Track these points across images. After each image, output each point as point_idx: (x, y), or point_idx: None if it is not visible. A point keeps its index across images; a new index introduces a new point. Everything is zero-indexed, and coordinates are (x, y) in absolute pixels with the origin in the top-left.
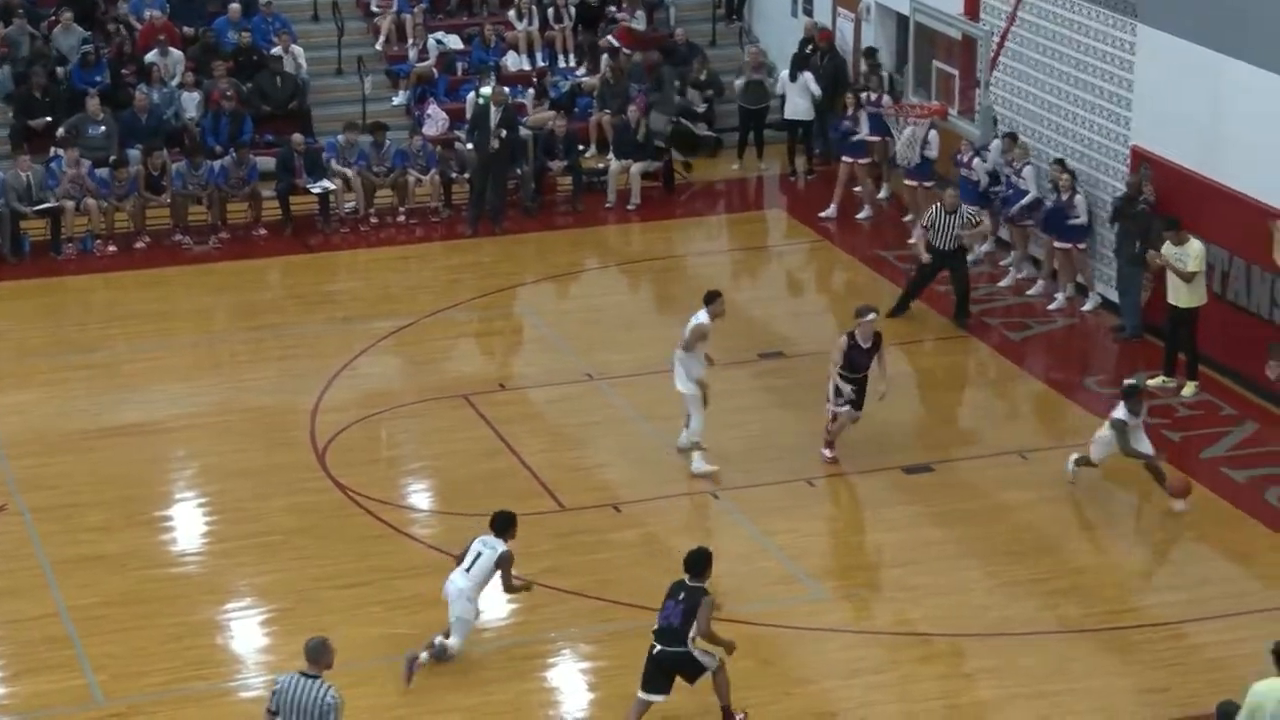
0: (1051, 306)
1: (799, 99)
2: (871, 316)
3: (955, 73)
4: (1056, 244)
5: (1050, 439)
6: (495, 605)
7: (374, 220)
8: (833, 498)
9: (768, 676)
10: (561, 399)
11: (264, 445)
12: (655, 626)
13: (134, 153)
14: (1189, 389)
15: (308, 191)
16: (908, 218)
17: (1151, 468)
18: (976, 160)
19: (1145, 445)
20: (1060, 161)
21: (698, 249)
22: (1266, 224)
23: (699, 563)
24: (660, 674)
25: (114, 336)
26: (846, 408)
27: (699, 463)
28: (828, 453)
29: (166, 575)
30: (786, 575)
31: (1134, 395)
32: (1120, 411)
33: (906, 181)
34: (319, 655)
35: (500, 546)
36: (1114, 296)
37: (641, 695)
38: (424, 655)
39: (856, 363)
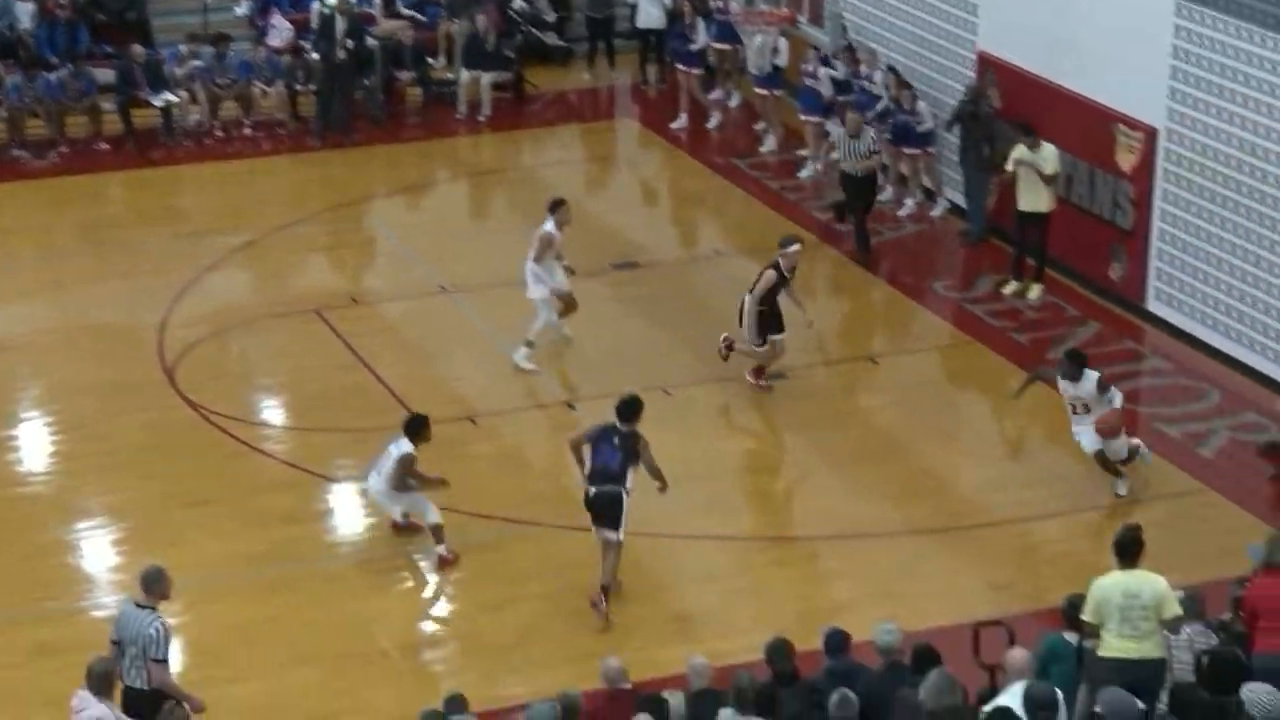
0: (901, 213)
1: (651, 7)
2: (795, 247)
3: None
4: (905, 150)
5: (900, 343)
6: (350, 521)
7: (219, 133)
8: (689, 406)
9: (627, 583)
10: (415, 312)
11: (111, 363)
12: (589, 470)
13: None
14: (1035, 291)
15: (149, 104)
16: (759, 125)
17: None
18: (822, 70)
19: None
20: (892, 69)
21: (550, 159)
22: (1109, 128)
23: (630, 408)
24: (594, 514)
25: None
26: (779, 338)
27: (521, 356)
28: (759, 380)
29: (14, 495)
30: (643, 485)
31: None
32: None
33: (757, 90)
34: (152, 585)
35: (406, 447)
36: (963, 201)
37: (597, 530)
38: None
39: (781, 292)
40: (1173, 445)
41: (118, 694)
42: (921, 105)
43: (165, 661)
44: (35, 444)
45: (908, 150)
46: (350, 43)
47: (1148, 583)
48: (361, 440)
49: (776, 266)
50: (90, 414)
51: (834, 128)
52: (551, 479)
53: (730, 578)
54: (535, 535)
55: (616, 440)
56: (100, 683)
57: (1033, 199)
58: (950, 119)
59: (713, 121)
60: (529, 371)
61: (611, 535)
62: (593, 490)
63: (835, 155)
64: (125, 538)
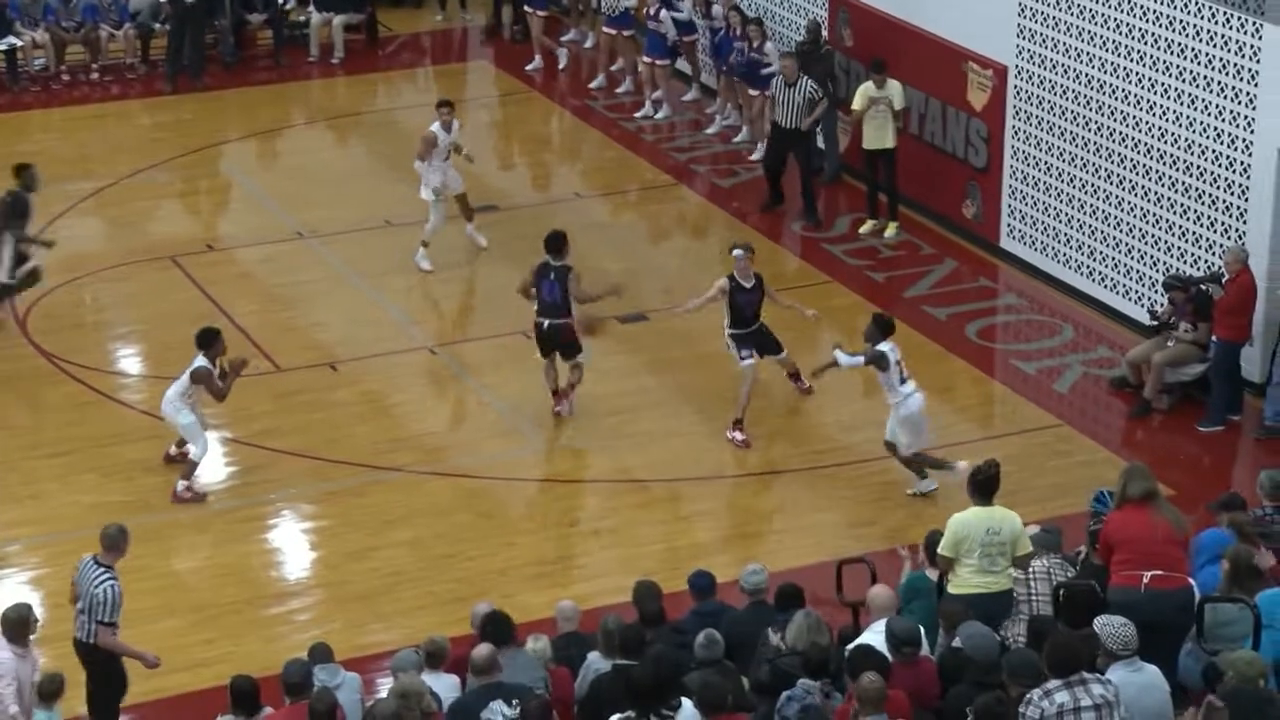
0: (754, 156)
1: None
2: (738, 253)
3: None
4: (751, 91)
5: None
6: (213, 470)
7: (66, 78)
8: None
9: (490, 528)
10: (272, 258)
11: None
12: (537, 306)
13: None
14: (891, 229)
15: None
16: (616, 66)
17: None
18: (664, 12)
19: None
20: (735, 7)
21: (405, 102)
22: (961, 66)
23: (557, 242)
24: (551, 346)
25: None
26: (751, 359)
27: (419, 257)
28: (737, 435)
29: None
30: (506, 428)
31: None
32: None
33: (606, 29)
34: (111, 544)
35: (199, 361)
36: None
37: (544, 361)
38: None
39: (742, 306)
40: (1028, 381)
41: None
42: (769, 46)
43: (113, 625)
44: None
45: (752, 91)
46: None
47: (1006, 520)
48: None
49: (730, 277)
50: None
51: (774, 82)
52: (413, 424)
53: (594, 520)
54: (398, 481)
55: (553, 275)
56: (12, 629)
57: (880, 136)
58: (788, 52)
59: (563, 63)
60: (426, 271)
61: (578, 359)
62: (545, 324)
63: (770, 95)
64: None
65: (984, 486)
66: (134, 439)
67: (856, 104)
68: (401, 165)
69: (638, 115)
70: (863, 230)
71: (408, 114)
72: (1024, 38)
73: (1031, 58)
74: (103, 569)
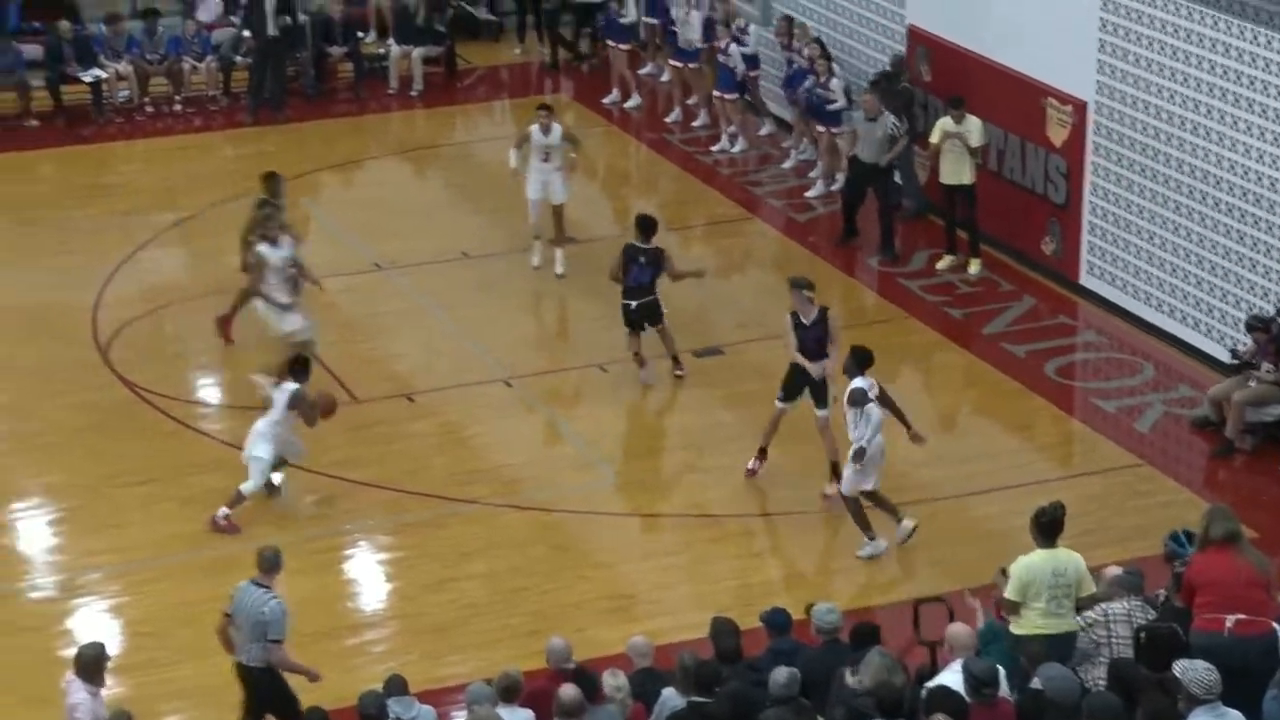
0: (811, 193)
1: None
2: (804, 291)
3: None
4: (819, 127)
5: (838, 319)
6: (290, 500)
7: (150, 109)
8: (625, 383)
9: (564, 561)
10: (350, 289)
11: (44, 343)
12: (624, 289)
13: None
14: (974, 266)
15: (79, 80)
16: (691, 100)
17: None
18: (734, 46)
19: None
20: (819, 41)
21: (482, 135)
22: (1040, 102)
23: (646, 224)
24: (639, 322)
25: None
26: (781, 405)
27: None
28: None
29: None
30: (582, 460)
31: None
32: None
33: (673, 62)
34: (271, 565)
35: (291, 387)
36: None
37: (631, 337)
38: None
39: (804, 340)
40: (1108, 420)
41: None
42: (835, 82)
43: (280, 642)
44: None
45: (819, 127)
46: (286, 19)
47: (1072, 562)
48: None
49: (793, 314)
50: (24, 395)
51: (853, 114)
52: (490, 456)
53: (668, 555)
54: (474, 514)
55: (642, 259)
56: (87, 669)
57: (957, 171)
58: (867, 87)
59: (632, 102)
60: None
61: (664, 324)
62: (633, 304)
63: (848, 129)
64: (63, 519)
65: (1048, 529)
66: (213, 469)
67: (934, 138)
68: (479, 197)
69: (714, 149)
70: (940, 266)
71: (485, 147)
72: (1104, 73)
73: (1112, 93)
74: (264, 589)
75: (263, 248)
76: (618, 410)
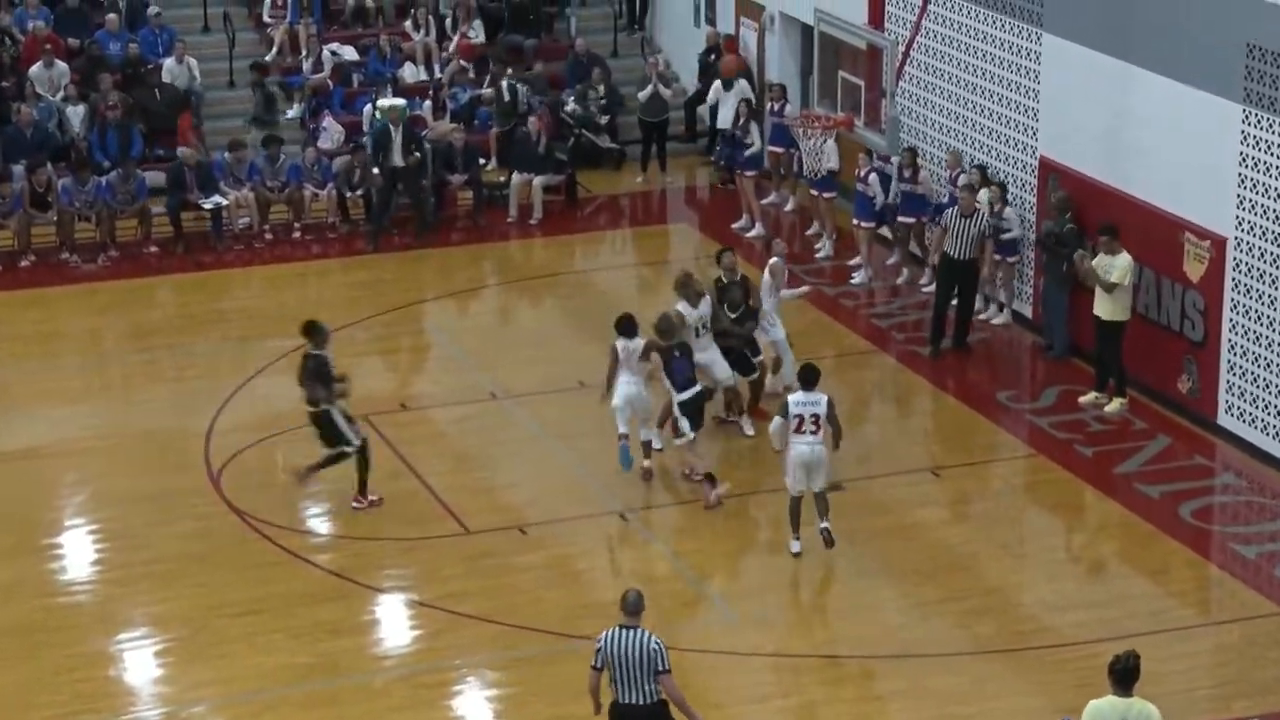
0: (985, 317)
1: (729, 109)
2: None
3: (861, 83)
4: (994, 256)
5: (963, 455)
6: (397, 634)
7: (269, 236)
8: (742, 517)
9: None
10: (465, 419)
11: (157, 469)
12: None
13: (18, 169)
14: (1115, 405)
15: (199, 207)
16: (811, 230)
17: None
18: (873, 176)
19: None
20: (981, 168)
21: (603, 264)
22: (1177, 236)
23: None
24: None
25: None
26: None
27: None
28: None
29: (56, 605)
30: (695, 597)
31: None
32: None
33: (813, 193)
34: (638, 607)
35: (637, 343)
36: (1027, 311)
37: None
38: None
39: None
40: (1248, 566)
41: None
42: (1009, 211)
43: (669, 672)
44: (78, 552)
45: (995, 255)
46: (417, 153)
47: (1145, 713)
48: (409, 550)
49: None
50: (135, 522)
51: (947, 210)
52: (603, 592)
53: (782, 698)
54: (587, 651)
55: (678, 353)
56: None
57: (1104, 306)
58: (1044, 238)
59: (755, 231)
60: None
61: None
62: (695, 391)
63: (943, 226)
64: (169, 649)
65: (1122, 676)
66: (322, 600)
67: (1085, 265)
68: (595, 327)
69: (853, 281)
70: (1083, 400)
71: (604, 275)
72: (1244, 208)
73: (1252, 229)
74: (636, 629)
75: (335, 412)
76: (733, 544)
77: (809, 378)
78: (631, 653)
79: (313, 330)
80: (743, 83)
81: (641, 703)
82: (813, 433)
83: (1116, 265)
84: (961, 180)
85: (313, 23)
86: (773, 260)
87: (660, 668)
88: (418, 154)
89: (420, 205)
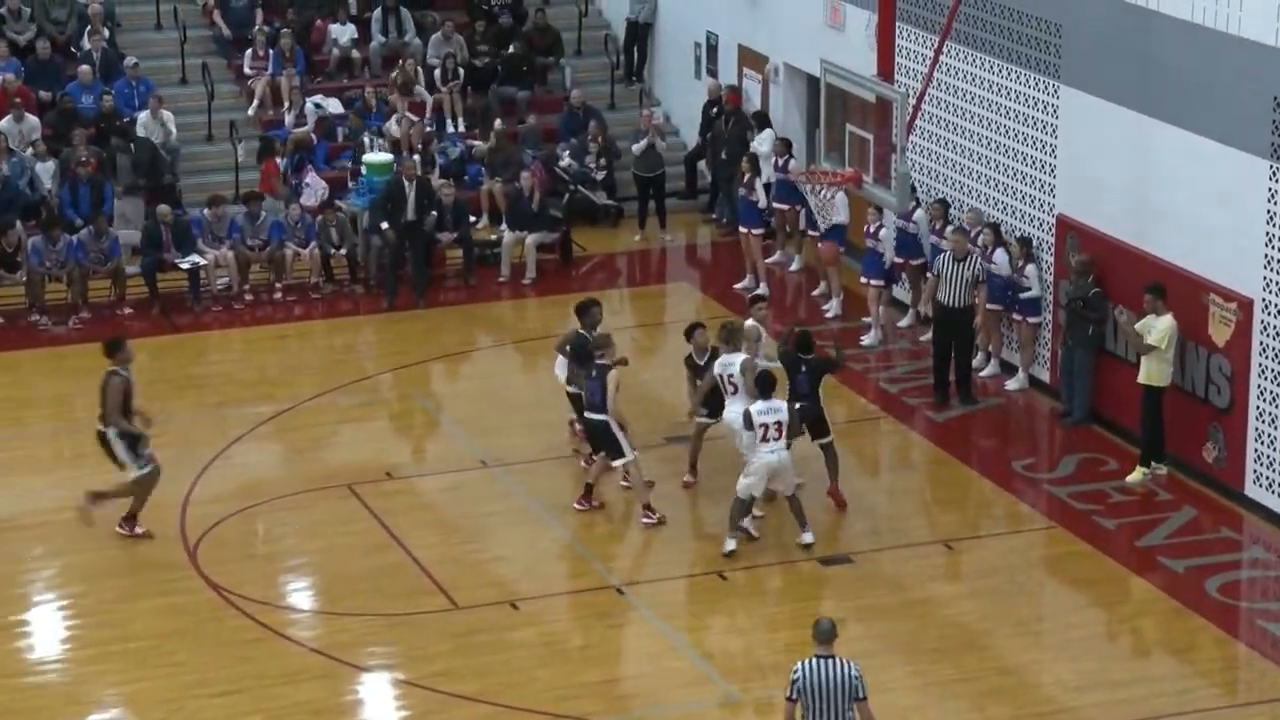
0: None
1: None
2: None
3: (870, 137)
4: (1014, 316)
5: (976, 527)
6: (383, 714)
7: (249, 297)
8: (746, 592)
9: None
10: (453, 488)
11: (130, 542)
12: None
13: None
14: (1134, 475)
15: (176, 267)
16: (818, 290)
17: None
18: (884, 231)
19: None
20: (995, 227)
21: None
22: (1202, 298)
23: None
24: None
25: None
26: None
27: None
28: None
29: (24, 685)
30: (698, 675)
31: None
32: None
33: (820, 244)
34: (831, 635)
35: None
36: (1044, 376)
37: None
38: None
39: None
40: (1278, 645)
41: None
42: (1031, 269)
43: (868, 699)
44: (48, 629)
45: (1015, 316)
46: (433, 213)
47: None
48: (395, 626)
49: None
50: (107, 597)
51: (939, 256)
52: (598, 669)
53: None
54: None
55: (804, 368)
56: None
57: (1144, 369)
58: (1070, 302)
59: (763, 288)
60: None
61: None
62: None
63: (934, 273)
64: None
65: None
66: (304, 679)
67: (1126, 325)
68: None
69: (863, 343)
70: (1130, 480)
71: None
72: (1272, 268)
73: None
74: (833, 658)
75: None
76: (736, 620)
77: (766, 385)
78: (831, 682)
79: (114, 347)
80: (764, 134)
81: None
82: (776, 439)
83: (1157, 327)
84: (953, 225)
85: (295, 74)
86: (747, 324)
87: (860, 695)
88: (434, 212)
89: (423, 265)
